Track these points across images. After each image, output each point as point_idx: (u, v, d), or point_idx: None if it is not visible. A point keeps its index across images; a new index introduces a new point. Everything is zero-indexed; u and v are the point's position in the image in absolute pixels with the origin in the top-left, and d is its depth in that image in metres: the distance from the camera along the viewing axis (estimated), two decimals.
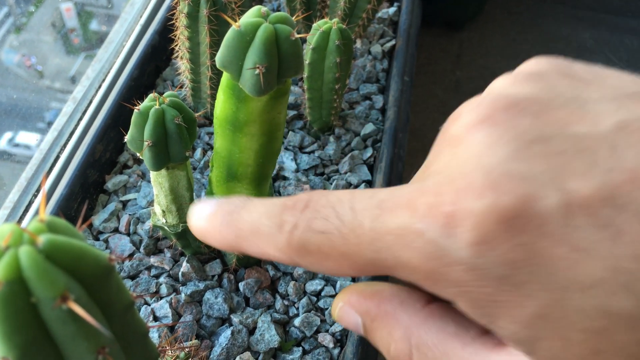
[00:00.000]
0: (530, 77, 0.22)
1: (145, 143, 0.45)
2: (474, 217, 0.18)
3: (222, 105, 0.42)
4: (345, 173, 0.70)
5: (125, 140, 0.47)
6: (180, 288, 0.58)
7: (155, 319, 0.56)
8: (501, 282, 0.18)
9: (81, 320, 0.22)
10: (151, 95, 0.45)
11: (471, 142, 0.20)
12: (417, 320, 0.22)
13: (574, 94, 0.20)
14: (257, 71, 0.36)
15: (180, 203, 0.53)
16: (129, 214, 0.64)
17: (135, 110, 0.45)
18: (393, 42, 0.87)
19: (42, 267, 0.21)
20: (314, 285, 0.59)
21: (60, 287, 0.21)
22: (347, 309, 0.24)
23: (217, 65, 0.38)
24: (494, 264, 0.18)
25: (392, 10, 0.92)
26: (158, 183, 0.51)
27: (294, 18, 0.39)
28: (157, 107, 0.44)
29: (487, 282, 0.18)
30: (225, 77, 0.40)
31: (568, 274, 0.17)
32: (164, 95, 0.46)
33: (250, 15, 0.36)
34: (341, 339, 0.56)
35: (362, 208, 0.22)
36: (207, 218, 0.27)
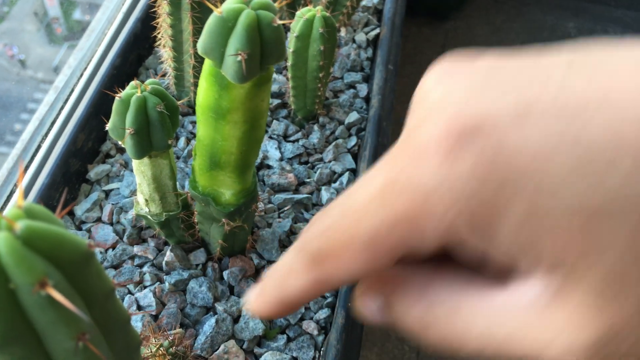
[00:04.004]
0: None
1: (127, 131, 0.44)
2: (439, 141, 0.19)
3: (204, 92, 0.41)
4: (330, 161, 0.70)
5: (107, 128, 0.46)
6: (164, 277, 0.57)
7: (139, 308, 0.56)
8: (479, 194, 0.18)
9: (60, 306, 0.22)
10: (133, 83, 0.45)
11: (435, 92, 0.21)
12: (428, 280, 0.23)
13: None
14: (239, 58, 0.36)
15: (164, 192, 0.52)
16: (112, 204, 0.63)
17: (116, 97, 0.44)
18: (377, 30, 0.87)
19: (20, 253, 0.21)
20: None
21: (39, 273, 0.21)
22: (365, 298, 0.25)
23: (199, 52, 0.38)
24: (467, 177, 0.19)
25: None
26: (141, 172, 0.50)
27: (276, 4, 0.39)
28: (138, 94, 0.44)
29: (468, 198, 0.19)
30: (207, 64, 0.40)
31: (538, 175, 0.18)
32: (145, 82, 0.45)
33: (232, 1, 0.36)
34: (325, 326, 0.57)
35: (350, 193, 0.23)
36: (257, 295, 0.28)
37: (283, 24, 0.37)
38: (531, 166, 0.18)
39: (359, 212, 0.22)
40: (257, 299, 0.27)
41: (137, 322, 0.54)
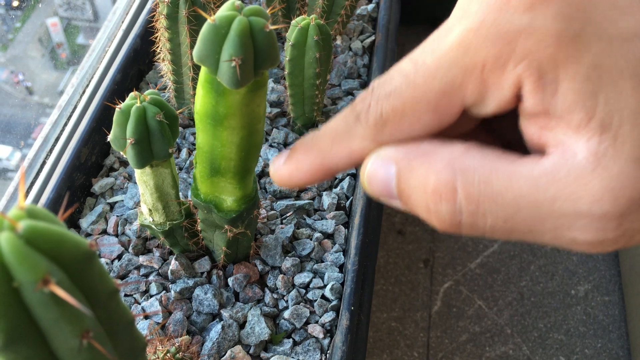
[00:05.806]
0: None
1: (128, 141, 0.45)
2: None
3: (201, 99, 0.42)
4: None
5: (109, 139, 0.47)
6: (170, 286, 0.58)
7: (146, 317, 0.56)
8: (560, 37, 0.19)
9: (64, 304, 0.23)
10: (132, 94, 0.46)
11: None
12: (459, 152, 0.22)
13: None
14: (234, 63, 0.36)
15: (166, 201, 0.53)
16: (117, 216, 0.64)
17: (116, 109, 0.45)
18: (373, 37, 0.88)
19: (23, 251, 0.21)
20: (302, 278, 0.60)
21: (41, 270, 0.22)
22: (380, 161, 0.24)
23: (195, 60, 0.39)
24: (551, 19, 0.19)
25: (370, 6, 0.93)
26: (143, 181, 0.51)
27: (269, 10, 0.40)
28: (138, 105, 0.45)
29: (548, 40, 0.19)
30: (203, 72, 0.41)
31: (612, 26, 0.19)
32: (144, 93, 0.46)
33: (225, 9, 0.37)
34: (330, 329, 0.57)
35: (419, 53, 0.23)
36: (286, 160, 0.28)
37: (276, 31, 0.38)
38: (610, 23, 0.19)
39: (432, 66, 0.22)
40: (290, 165, 0.27)
41: (143, 330, 0.55)
